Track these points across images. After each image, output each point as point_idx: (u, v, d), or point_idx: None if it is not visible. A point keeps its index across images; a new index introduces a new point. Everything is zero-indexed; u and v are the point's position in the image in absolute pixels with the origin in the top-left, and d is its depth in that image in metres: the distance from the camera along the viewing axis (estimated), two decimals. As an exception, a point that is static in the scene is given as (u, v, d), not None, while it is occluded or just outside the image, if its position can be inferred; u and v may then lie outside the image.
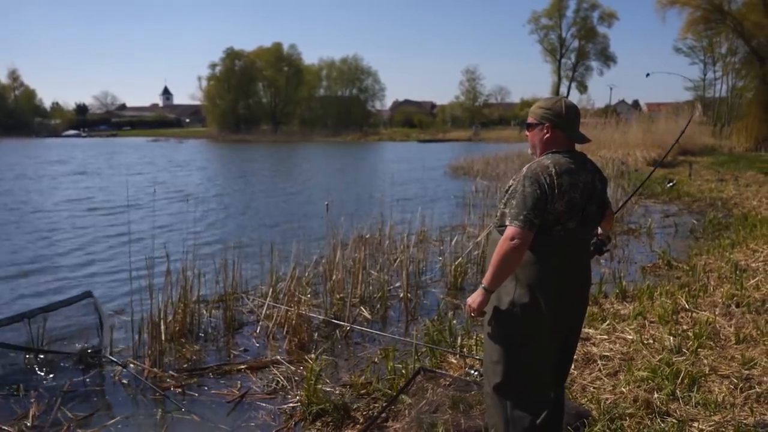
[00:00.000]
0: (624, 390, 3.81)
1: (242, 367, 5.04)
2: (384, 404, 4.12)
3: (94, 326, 5.23)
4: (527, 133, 2.89)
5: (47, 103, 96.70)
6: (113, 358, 5.02)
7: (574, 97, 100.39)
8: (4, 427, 3.98)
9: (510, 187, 2.74)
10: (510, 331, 2.76)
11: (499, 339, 2.79)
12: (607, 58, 75.06)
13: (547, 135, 2.77)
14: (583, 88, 77.04)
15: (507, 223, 2.63)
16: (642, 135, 26.76)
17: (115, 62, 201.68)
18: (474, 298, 2.73)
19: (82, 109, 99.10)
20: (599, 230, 3.03)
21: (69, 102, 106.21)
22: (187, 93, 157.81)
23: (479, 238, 8.55)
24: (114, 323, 5.73)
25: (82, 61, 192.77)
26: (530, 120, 2.84)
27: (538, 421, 2.74)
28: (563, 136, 2.77)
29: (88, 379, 4.81)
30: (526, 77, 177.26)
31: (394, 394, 4.23)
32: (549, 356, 2.80)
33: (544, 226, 2.63)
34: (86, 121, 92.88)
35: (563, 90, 75.35)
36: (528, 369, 2.74)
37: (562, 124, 2.75)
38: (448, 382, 4.25)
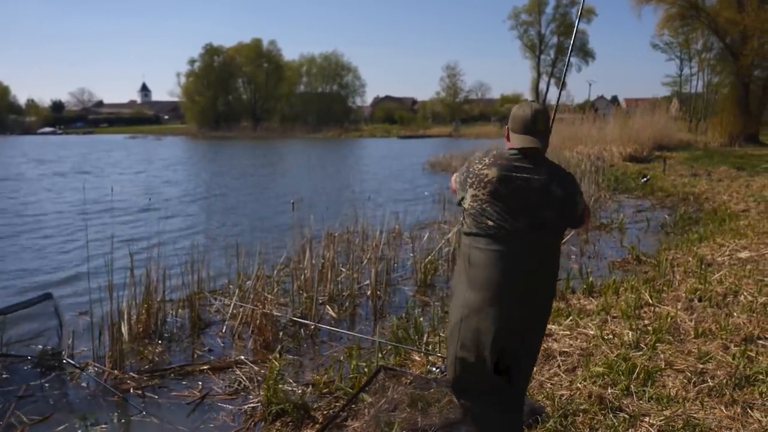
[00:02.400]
0: (580, 386, 3.84)
1: (205, 367, 5.00)
2: (344, 403, 4.11)
3: (53, 328, 5.13)
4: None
5: (22, 100, 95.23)
6: (72, 361, 4.95)
7: (554, 93, 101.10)
8: (-45, 433, 3.91)
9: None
10: None
11: None
12: (586, 54, 75.51)
13: (507, 140, 2.87)
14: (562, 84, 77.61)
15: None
16: (618, 130, 26.98)
17: (92, 58, 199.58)
18: None
19: (57, 106, 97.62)
20: None
21: (44, 99, 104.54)
22: (166, 89, 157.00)
23: (450, 234, 8.57)
24: (76, 325, 5.65)
25: (58, 57, 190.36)
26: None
27: None
28: (515, 137, 2.80)
29: (46, 383, 4.73)
30: (506, 73, 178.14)
31: (355, 392, 4.23)
32: None
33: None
34: (62, 119, 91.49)
35: (543, 86, 75.83)
36: None
37: (515, 126, 2.81)
38: (409, 380, 4.25)
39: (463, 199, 2.78)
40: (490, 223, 2.66)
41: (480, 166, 2.75)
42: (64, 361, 4.99)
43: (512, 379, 2.71)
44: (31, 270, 8.54)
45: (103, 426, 4.11)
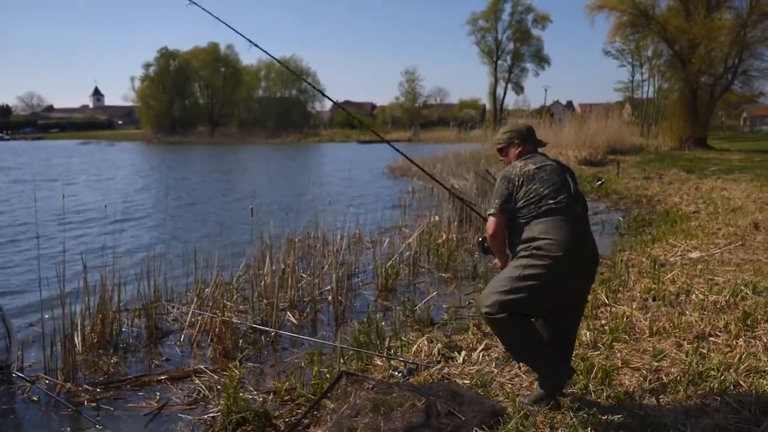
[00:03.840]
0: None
1: (162, 377, 4.88)
2: (306, 410, 4.07)
3: (1, 340, 4.94)
4: (501, 158, 3.81)
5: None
6: (21, 375, 4.77)
7: (511, 98, 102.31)
8: None
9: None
10: None
11: None
12: (541, 60, 76.99)
13: (519, 149, 3.67)
14: (519, 89, 78.78)
15: (486, 213, 3.58)
16: (574, 135, 27.54)
17: (42, 62, 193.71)
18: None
19: (4, 110, 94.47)
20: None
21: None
22: (119, 94, 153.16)
23: (410, 239, 8.60)
24: (26, 337, 5.46)
25: (4, 61, 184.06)
26: (500, 145, 3.76)
27: None
28: (528, 146, 3.69)
29: (-7, 398, 4.55)
30: (464, 78, 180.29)
31: (317, 399, 4.19)
32: None
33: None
34: (9, 124, 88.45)
35: (500, 91, 76.91)
36: None
37: (526, 137, 3.73)
38: (371, 385, 4.23)
39: (514, 203, 3.42)
40: (551, 201, 3.36)
41: (519, 170, 3.48)
42: (13, 374, 4.80)
43: None
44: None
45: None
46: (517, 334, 3.38)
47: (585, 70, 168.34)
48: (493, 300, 3.32)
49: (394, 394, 3.98)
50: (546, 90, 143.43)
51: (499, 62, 76.26)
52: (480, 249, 3.97)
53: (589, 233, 3.57)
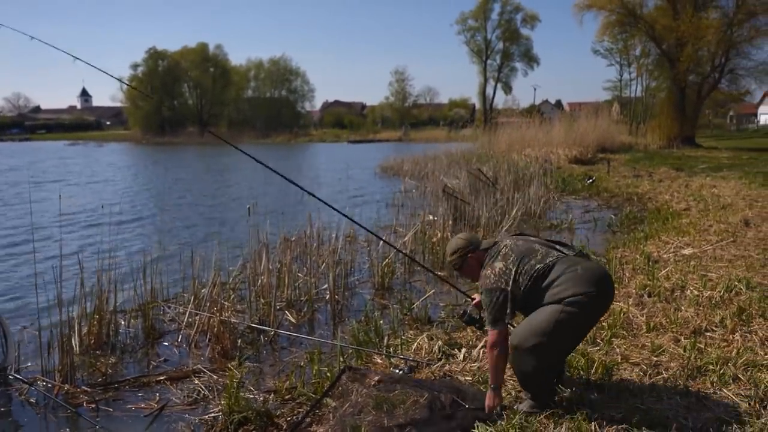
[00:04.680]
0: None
1: (161, 378, 4.87)
2: (309, 407, 4.07)
3: (-3, 343, 4.90)
4: (461, 274, 3.94)
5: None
6: (19, 376, 4.73)
7: (500, 97, 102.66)
8: None
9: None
10: None
11: None
12: (530, 60, 77.22)
13: (474, 260, 3.68)
14: (508, 88, 78.99)
15: (488, 328, 3.53)
16: (564, 134, 27.69)
17: (28, 63, 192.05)
18: (492, 399, 3.53)
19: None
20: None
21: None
22: (108, 94, 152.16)
23: (406, 238, 8.62)
24: (22, 338, 5.42)
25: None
26: (456, 266, 3.79)
27: None
28: (482, 250, 3.69)
29: (-9, 401, 4.52)
30: (454, 78, 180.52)
31: (319, 397, 4.19)
32: None
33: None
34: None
35: (489, 91, 77.09)
36: None
37: (476, 245, 3.73)
38: (373, 382, 4.22)
39: (500, 319, 3.46)
40: (553, 252, 3.57)
41: (498, 271, 3.47)
42: (11, 376, 4.77)
43: None
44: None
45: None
46: (542, 371, 3.41)
47: (573, 69, 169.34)
48: (534, 342, 3.30)
49: (397, 391, 3.98)
50: (535, 89, 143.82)
51: (489, 62, 76.47)
52: (467, 319, 4.03)
53: (597, 262, 3.74)
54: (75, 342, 5.06)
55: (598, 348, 4.45)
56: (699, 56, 33.79)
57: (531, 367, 3.35)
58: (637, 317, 5.25)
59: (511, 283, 3.37)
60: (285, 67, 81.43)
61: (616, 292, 6.06)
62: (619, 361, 4.23)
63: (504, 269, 3.41)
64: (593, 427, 3.23)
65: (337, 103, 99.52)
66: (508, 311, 3.35)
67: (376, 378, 4.01)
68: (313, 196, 5.06)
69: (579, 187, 17.01)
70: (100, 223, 11.57)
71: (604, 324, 5.01)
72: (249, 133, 73.22)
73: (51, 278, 5.22)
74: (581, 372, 3.97)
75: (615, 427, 3.24)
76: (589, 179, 17.85)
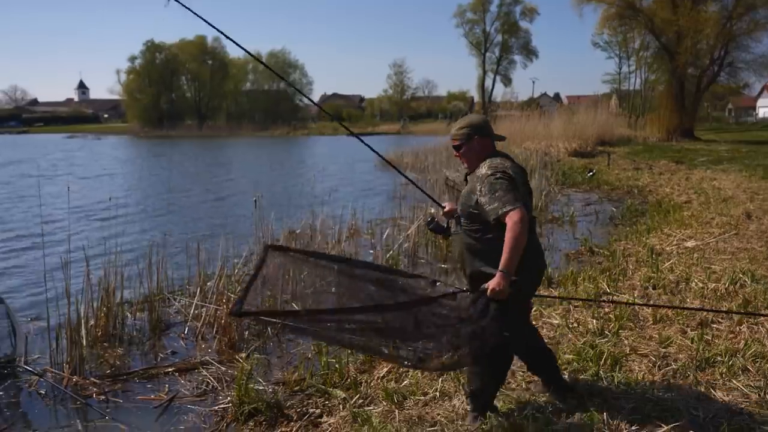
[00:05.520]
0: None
1: (170, 369, 4.88)
2: (318, 399, 4.09)
3: (5, 334, 4.92)
4: (457, 155, 3.38)
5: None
6: (28, 368, 4.74)
7: (499, 90, 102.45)
8: None
9: (478, 190, 3.09)
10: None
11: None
12: (529, 52, 77.07)
13: (481, 145, 3.27)
14: (507, 81, 78.82)
15: (504, 210, 2.93)
16: (563, 127, 27.67)
17: (25, 55, 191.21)
18: (500, 282, 2.87)
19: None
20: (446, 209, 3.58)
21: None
22: (105, 87, 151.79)
23: (410, 231, 8.62)
24: (29, 330, 5.42)
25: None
26: (457, 142, 3.33)
27: None
28: (490, 141, 3.31)
29: (0, 392, 4.53)
30: (452, 71, 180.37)
31: (328, 389, 4.21)
32: None
33: None
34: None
35: (488, 83, 76.95)
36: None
37: (487, 132, 3.31)
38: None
39: (519, 198, 3.02)
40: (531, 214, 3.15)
41: (512, 170, 3.14)
42: (20, 368, 4.78)
43: None
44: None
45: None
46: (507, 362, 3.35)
47: (572, 62, 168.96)
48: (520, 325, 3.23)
49: (405, 383, 4.01)
50: (534, 82, 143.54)
51: (488, 54, 76.29)
52: (433, 227, 3.66)
53: None
54: (83, 334, 5.06)
55: (607, 340, 4.47)
56: (698, 49, 33.76)
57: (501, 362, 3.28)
58: (643, 309, 5.26)
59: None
60: (284, 59, 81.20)
61: (621, 284, 6.16)
62: (628, 352, 4.25)
63: (519, 177, 3.17)
64: (604, 418, 3.25)
65: (335, 96, 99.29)
66: (519, 194, 3.02)
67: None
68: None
69: (579, 180, 17.03)
70: (107, 216, 11.57)
71: (611, 316, 5.03)
72: (247, 127, 73.17)
73: (59, 271, 5.23)
74: (590, 363, 3.99)
75: (627, 417, 3.26)
76: (589, 172, 17.86)
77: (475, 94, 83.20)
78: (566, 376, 3.80)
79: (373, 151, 4.23)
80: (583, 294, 5.71)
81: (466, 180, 3.35)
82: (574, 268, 7.11)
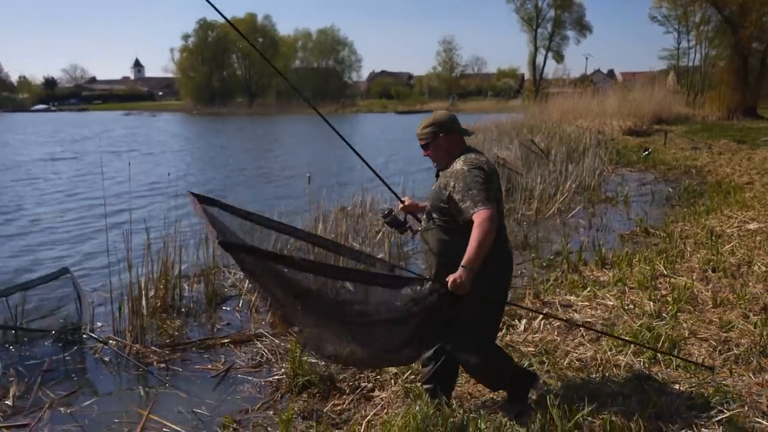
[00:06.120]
0: (607, 355, 3.87)
1: (225, 341, 5.02)
2: (370, 374, 4.13)
3: (72, 303, 5.14)
4: (426, 153, 3.30)
5: (14, 77, 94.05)
6: (93, 335, 4.97)
7: (550, 67, 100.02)
8: (-16, 407, 3.93)
9: (451, 186, 3.00)
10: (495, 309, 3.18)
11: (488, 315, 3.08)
12: (582, 28, 74.78)
13: (448, 142, 3.20)
14: (559, 57, 76.84)
15: (475, 210, 2.85)
16: (618, 104, 26.88)
17: (84, 34, 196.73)
18: (462, 276, 2.76)
19: (50, 83, 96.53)
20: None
21: (37, 76, 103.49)
22: (160, 65, 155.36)
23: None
24: (93, 300, 5.65)
25: (49, 33, 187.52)
26: (423, 141, 3.26)
27: None
28: (458, 137, 3.24)
29: (68, 357, 4.76)
30: (503, 47, 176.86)
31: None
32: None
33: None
34: (55, 95, 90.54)
35: (539, 60, 75.20)
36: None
37: (452, 128, 3.22)
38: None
39: (492, 198, 2.94)
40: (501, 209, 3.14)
41: (487, 166, 3.06)
42: (85, 335, 5.00)
43: None
44: (50, 247, 8.64)
45: (131, 399, 4.13)
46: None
47: (627, 37, 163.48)
48: (488, 343, 3.19)
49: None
50: (587, 58, 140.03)
51: (539, 30, 74.37)
52: (390, 220, 3.58)
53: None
54: (143, 304, 5.25)
55: (664, 322, 4.37)
56: (764, 23, 32.09)
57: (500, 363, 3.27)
58: (702, 292, 5.12)
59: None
60: (333, 37, 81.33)
61: (678, 266, 6.00)
62: (686, 336, 4.15)
63: (486, 161, 3.11)
64: (663, 402, 3.19)
65: (383, 73, 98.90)
66: (492, 194, 2.95)
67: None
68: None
69: (634, 159, 16.54)
70: (166, 191, 11.99)
71: (668, 298, 4.91)
72: (296, 104, 73.59)
73: (121, 244, 5.42)
74: (647, 345, 3.91)
75: (685, 402, 3.19)
76: (645, 151, 17.32)
77: (525, 71, 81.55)
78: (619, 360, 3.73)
79: (338, 134, 4.06)
80: (639, 276, 5.58)
81: (437, 176, 3.25)
82: (629, 249, 6.96)
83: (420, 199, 3.81)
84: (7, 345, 4.87)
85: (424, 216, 3.27)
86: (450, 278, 2.79)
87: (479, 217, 2.81)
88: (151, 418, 3.79)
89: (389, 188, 3.56)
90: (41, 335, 4.99)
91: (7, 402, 4.02)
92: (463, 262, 2.78)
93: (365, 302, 3.06)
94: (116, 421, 3.81)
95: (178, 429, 3.68)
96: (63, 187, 14.48)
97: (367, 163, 3.55)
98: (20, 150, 25.12)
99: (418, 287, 2.94)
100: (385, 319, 3.04)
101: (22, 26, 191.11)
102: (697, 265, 5.99)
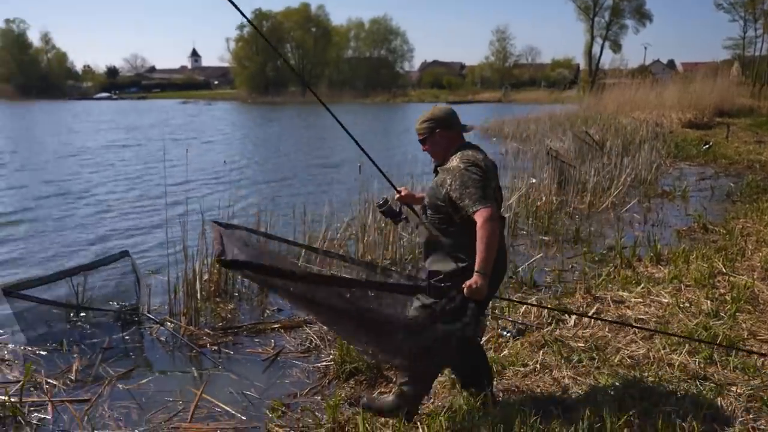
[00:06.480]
0: (660, 353, 3.78)
1: (276, 326, 5.12)
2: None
3: (131, 285, 5.34)
4: (424, 148, 3.24)
5: (78, 66, 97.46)
6: (150, 316, 5.15)
7: (607, 57, 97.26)
8: (50, 380, 4.13)
9: (448, 183, 2.94)
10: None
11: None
12: (642, 16, 72.19)
13: (446, 138, 3.14)
14: (617, 47, 74.55)
15: (474, 209, 2.82)
16: (677, 96, 25.95)
17: (144, 25, 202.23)
18: (478, 282, 2.77)
19: (112, 71, 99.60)
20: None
21: (100, 65, 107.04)
22: (216, 55, 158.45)
23: (510, 201, 8.48)
24: (151, 282, 5.84)
25: (111, 23, 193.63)
26: (421, 136, 3.21)
27: None
28: (456, 133, 3.16)
29: (126, 336, 4.96)
30: (558, 37, 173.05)
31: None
32: None
33: None
34: (117, 84, 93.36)
35: (596, 49, 73.18)
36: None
37: (450, 124, 3.15)
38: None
39: (490, 196, 2.91)
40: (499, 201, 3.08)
41: (484, 163, 3.00)
42: (143, 316, 5.19)
43: None
44: (112, 230, 8.99)
45: (184, 379, 4.27)
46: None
47: (690, 26, 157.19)
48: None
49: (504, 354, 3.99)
50: (646, 48, 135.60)
51: (596, 19, 72.26)
52: (385, 209, 3.51)
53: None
54: (198, 288, 5.41)
55: (722, 322, 4.24)
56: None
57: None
58: (764, 292, 4.93)
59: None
60: (385, 26, 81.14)
61: (738, 264, 5.79)
62: (746, 336, 4.01)
63: (491, 171, 3.03)
64: (718, 402, 3.10)
65: (435, 63, 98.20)
66: (490, 191, 2.92)
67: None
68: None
69: (693, 153, 15.97)
70: (221, 178, 12.41)
71: (726, 297, 4.76)
72: (348, 93, 73.92)
73: (178, 229, 5.58)
74: (703, 345, 3.80)
75: (743, 404, 3.10)
76: (705, 145, 16.70)
77: (581, 61, 79.53)
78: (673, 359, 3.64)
79: (340, 124, 4.02)
80: (696, 273, 5.41)
81: (435, 172, 3.20)
82: (686, 246, 6.75)
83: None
84: (70, 323, 5.10)
85: (421, 208, 3.25)
86: (465, 284, 2.80)
87: (481, 216, 2.79)
88: (203, 397, 3.92)
89: (387, 178, 3.57)
90: (102, 314, 5.20)
91: (70, 376, 4.22)
92: (476, 267, 2.78)
93: (376, 309, 3.07)
94: (170, 399, 3.95)
95: (229, 409, 3.79)
96: (127, 173, 15.00)
97: (366, 153, 3.53)
98: (88, 136, 26.09)
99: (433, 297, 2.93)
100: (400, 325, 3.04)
101: (86, 16, 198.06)
102: (758, 264, 5.77)
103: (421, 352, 2.94)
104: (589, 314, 4.53)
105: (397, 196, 3.51)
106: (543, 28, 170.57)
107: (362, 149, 3.60)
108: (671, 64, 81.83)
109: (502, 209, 3.20)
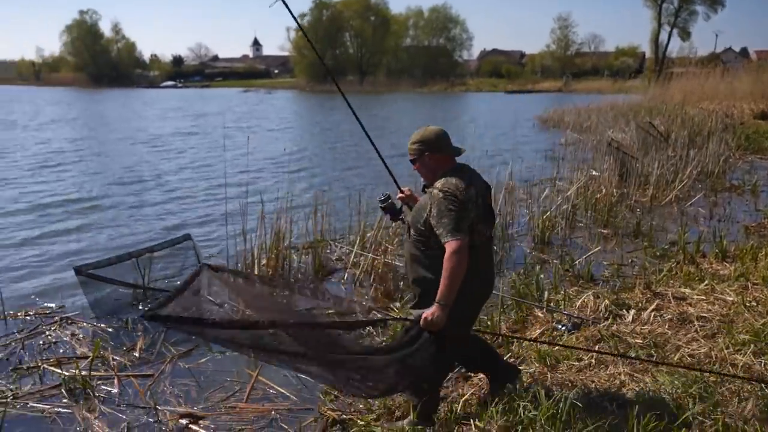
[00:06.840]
0: (723, 353, 3.65)
1: (330, 312, 5.19)
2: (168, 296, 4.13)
3: (192, 267, 5.52)
4: (414, 168, 3.19)
5: (146, 56, 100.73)
6: (210, 298, 5.30)
7: (675, 44, 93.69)
8: (115, 357, 4.34)
9: (428, 209, 2.92)
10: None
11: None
12: (714, 2, 69.01)
13: (434, 162, 3.08)
14: (685, 35, 71.59)
15: (446, 240, 2.81)
16: (750, 86, 24.75)
17: (208, 15, 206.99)
18: (434, 313, 2.80)
19: (177, 60, 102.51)
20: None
21: (166, 54, 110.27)
22: (276, 44, 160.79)
23: (569, 193, 8.33)
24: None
25: (177, 13, 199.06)
26: (411, 157, 3.17)
27: None
28: (446, 156, 3.10)
29: (188, 316, 5.12)
30: (623, 24, 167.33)
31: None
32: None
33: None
34: (182, 73, 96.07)
35: (663, 37, 70.47)
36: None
37: (440, 147, 3.10)
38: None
39: (463, 229, 2.85)
40: (484, 234, 3.04)
41: (465, 192, 2.91)
42: (203, 297, 5.35)
43: None
44: (176, 213, 9.37)
45: (242, 361, 4.39)
46: None
47: (765, 12, 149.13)
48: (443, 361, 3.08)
49: (556, 348, 3.94)
50: (717, 36, 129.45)
51: (665, 5, 69.62)
52: (386, 205, 3.51)
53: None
54: (256, 271, 5.55)
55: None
56: None
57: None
58: (839, 293, 4.68)
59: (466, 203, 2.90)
60: (445, 15, 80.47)
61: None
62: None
63: (471, 199, 2.92)
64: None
65: (495, 51, 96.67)
66: (465, 223, 2.87)
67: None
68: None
69: (766, 146, 15.26)
70: (281, 166, 12.69)
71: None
72: (406, 82, 73.81)
73: (237, 214, 5.74)
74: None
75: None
76: (780, 138, 15.92)
77: (647, 49, 76.81)
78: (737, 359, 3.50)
79: (356, 118, 4.01)
80: (765, 271, 5.19)
81: (424, 191, 3.16)
82: (754, 242, 6.48)
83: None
84: (135, 302, 5.32)
85: (405, 225, 3.26)
86: (423, 315, 2.82)
87: (449, 248, 2.80)
88: (259, 379, 4.03)
89: (392, 176, 3.54)
90: (165, 295, 5.39)
91: (134, 354, 4.42)
92: (437, 298, 2.81)
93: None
94: (228, 379, 4.09)
95: (284, 392, 3.89)
96: (192, 159, 15.52)
97: (377, 149, 3.51)
98: (158, 123, 27.05)
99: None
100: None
101: (154, 6, 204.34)
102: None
103: (405, 372, 2.98)
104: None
105: (400, 195, 3.53)
106: (607, 15, 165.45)
107: (373, 144, 3.65)
108: (744, 52, 77.98)
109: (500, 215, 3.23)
